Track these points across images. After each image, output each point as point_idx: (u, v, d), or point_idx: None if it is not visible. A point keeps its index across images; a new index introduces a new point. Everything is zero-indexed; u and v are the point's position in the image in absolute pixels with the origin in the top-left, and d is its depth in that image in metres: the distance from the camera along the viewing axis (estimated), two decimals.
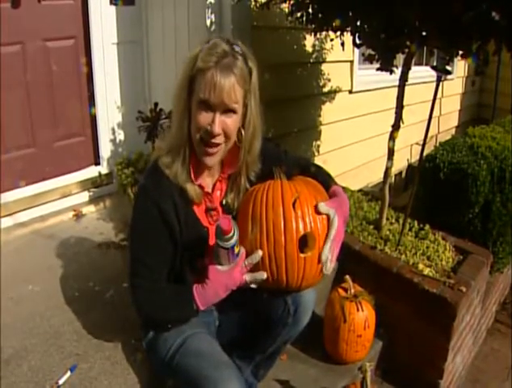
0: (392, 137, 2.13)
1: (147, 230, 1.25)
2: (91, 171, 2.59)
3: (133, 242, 1.29)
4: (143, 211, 1.26)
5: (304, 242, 1.19)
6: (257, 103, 1.25)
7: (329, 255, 1.19)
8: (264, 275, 1.19)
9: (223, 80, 1.13)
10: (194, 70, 1.16)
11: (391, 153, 2.17)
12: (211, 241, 1.29)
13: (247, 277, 1.20)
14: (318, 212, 1.19)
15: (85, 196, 2.53)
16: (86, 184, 2.54)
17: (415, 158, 4.29)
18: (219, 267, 1.19)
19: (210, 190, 1.33)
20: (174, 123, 1.25)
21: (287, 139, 2.93)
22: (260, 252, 1.19)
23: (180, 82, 1.20)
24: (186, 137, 1.22)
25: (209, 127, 1.17)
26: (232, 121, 1.19)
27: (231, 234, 1.13)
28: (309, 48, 3.00)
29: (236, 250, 1.17)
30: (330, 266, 1.21)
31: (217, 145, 1.20)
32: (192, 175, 1.26)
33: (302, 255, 1.18)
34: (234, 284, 1.19)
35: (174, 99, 1.23)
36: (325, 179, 1.35)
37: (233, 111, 1.19)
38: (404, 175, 4.55)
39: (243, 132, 1.25)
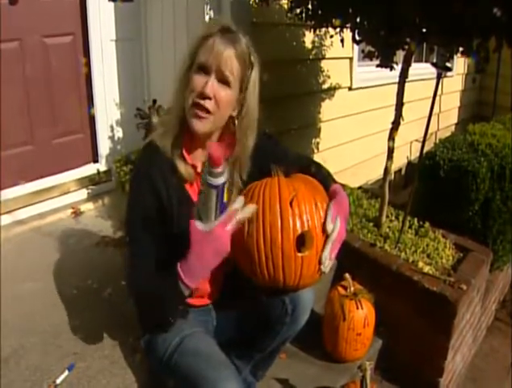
0: (391, 137, 2.12)
1: (139, 206, 1.23)
2: (90, 169, 2.58)
3: (128, 220, 1.27)
4: (135, 187, 1.27)
5: (301, 242, 1.18)
6: (256, 99, 1.25)
7: (329, 256, 1.18)
8: (252, 207, 1.09)
9: (222, 47, 1.17)
10: (198, 42, 1.19)
11: (390, 152, 2.16)
12: None
13: (237, 217, 1.05)
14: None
15: (83, 193, 2.52)
16: (84, 182, 2.53)
17: (415, 155, 4.29)
18: (199, 225, 1.00)
19: None
20: (172, 101, 1.25)
21: (286, 136, 2.92)
22: (254, 205, 1.09)
23: (184, 60, 1.21)
24: (181, 113, 1.22)
25: (202, 89, 1.17)
26: (225, 94, 1.19)
27: (222, 168, 0.91)
28: (309, 45, 2.99)
29: (225, 196, 0.95)
30: (328, 264, 1.20)
31: (207, 110, 1.19)
32: (185, 155, 1.25)
33: (299, 254, 1.16)
34: (223, 244, 1.03)
35: (176, 79, 1.24)
36: (324, 177, 1.34)
37: (228, 84, 1.19)
38: (403, 172, 4.54)
39: (236, 122, 1.26)
